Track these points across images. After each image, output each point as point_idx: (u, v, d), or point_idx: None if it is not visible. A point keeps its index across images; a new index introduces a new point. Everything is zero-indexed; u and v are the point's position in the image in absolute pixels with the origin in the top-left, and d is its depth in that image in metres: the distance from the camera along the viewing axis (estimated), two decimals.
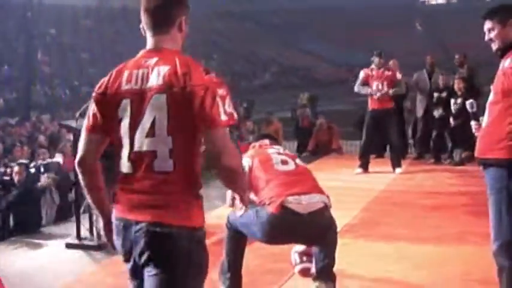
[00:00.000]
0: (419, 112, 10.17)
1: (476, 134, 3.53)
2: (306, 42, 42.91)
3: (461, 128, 8.72)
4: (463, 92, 9.06)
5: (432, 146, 9.80)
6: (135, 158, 2.34)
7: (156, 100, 2.29)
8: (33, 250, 5.86)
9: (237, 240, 4.04)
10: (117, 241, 2.43)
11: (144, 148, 2.31)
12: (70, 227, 6.12)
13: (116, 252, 2.49)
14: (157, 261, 2.31)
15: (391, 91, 8.88)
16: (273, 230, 3.79)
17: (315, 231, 3.89)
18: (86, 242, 5.74)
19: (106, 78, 2.45)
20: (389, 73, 8.97)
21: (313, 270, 4.10)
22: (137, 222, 2.31)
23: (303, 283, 4.24)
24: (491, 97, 3.38)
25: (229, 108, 2.28)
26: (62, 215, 7.73)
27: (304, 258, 4.29)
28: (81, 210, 5.90)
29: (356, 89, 9.18)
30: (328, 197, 3.99)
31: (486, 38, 3.47)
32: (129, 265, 2.41)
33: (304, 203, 3.80)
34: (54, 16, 34.69)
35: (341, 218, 6.04)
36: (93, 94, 2.47)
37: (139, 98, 2.33)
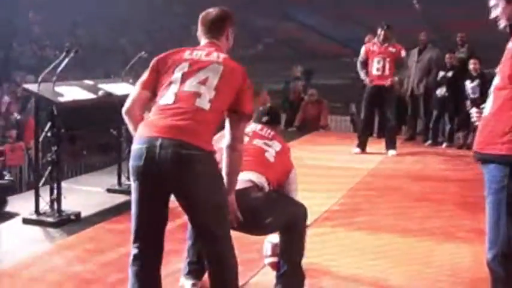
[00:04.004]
0: (408, 91, 9.75)
1: (476, 123, 3.05)
2: (302, 15, 42.28)
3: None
4: (478, 73, 8.55)
5: (432, 128, 9.38)
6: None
7: (215, 66, 3.05)
8: None
9: None
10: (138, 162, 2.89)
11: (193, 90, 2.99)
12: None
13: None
14: None
15: (396, 78, 8.48)
16: None
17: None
18: (44, 218, 5.28)
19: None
20: (394, 50, 8.40)
21: None
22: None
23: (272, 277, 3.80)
24: (496, 81, 2.89)
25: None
26: None
27: (276, 251, 3.86)
28: (41, 182, 5.42)
29: (358, 66, 8.71)
30: (268, 179, 3.56)
31: (492, 15, 2.98)
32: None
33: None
34: None
35: (321, 203, 5.71)
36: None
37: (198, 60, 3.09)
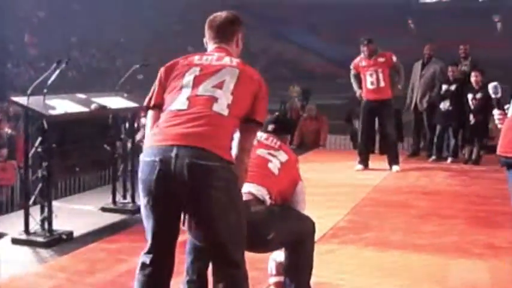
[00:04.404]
0: (412, 106, 9.45)
1: (499, 125, 2.79)
2: (298, 36, 42.37)
3: (482, 125, 8.44)
4: (480, 86, 8.37)
5: (436, 143, 9.08)
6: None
7: (230, 70, 2.79)
8: None
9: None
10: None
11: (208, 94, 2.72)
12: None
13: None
14: None
15: (399, 86, 8.29)
16: None
17: None
18: (34, 238, 5.00)
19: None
20: (383, 59, 8.15)
21: None
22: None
23: None
24: None
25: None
26: None
27: (281, 270, 3.60)
28: (31, 200, 5.14)
29: (351, 78, 8.52)
30: (269, 192, 3.30)
31: None
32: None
33: None
34: None
35: (327, 220, 5.42)
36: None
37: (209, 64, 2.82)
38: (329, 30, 41.31)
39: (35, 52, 27.82)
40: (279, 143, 3.56)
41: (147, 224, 2.73)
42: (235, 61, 2.87)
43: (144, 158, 2.66)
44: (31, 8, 30.70)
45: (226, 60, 2.86)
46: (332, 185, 7.19)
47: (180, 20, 34.12)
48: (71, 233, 5.15)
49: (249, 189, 3.23)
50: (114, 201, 6.14)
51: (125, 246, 4.81)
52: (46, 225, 5.09)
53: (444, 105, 8.83)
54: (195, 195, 2.58)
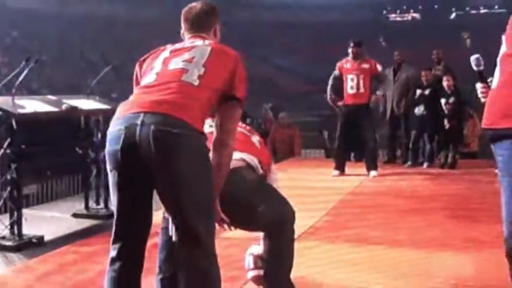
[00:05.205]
0: (387, 112, 9.40)
1: (482, 99, 2.71)
2: (271, 54, 42.56)
3: (456, 130, 8.58)
4: (453, 90, 8.44)
5: (411, 148, 9.02)
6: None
7: (201, 47, 2.69)
8: None
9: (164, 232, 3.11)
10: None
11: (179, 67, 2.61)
12: None
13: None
14: None
15: (380, 92, 8.30)
16: None
17: (226, 194, 2.77)
18: (2, 242, 4.83)
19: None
20: (367, 66, 8.12)
21: None
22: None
23: None
24: (505, 49, 2.56)
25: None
26: None
27: (259, 263, 3.46)
28: None
29: (330, 81, 8.47)
30: (260, 161, 3.22)
31: None
32: None
33: None
34: (16, 19, 33.50)
35: (304, 220, 5.26)
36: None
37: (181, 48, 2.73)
38: (303, 49, 41.64)
39: (6, 71, 27.52)
40: (248, 127, 3.53)
41: (114, 203, 2.54)
42: (208, 41, 2.77)
43: (110, 129, 2.51)
44: (5, 28, 30.45)
45: (199, 42, 2.76)
46: (308, 188, 7.11)
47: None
48: (41, 238, 4.99)
49: (241, 156, 3.12)
50: (86, 207, 5.98)
51: (97, 249, 4.64)
52: (16, 230, 4.93)
53: (418, 110, 8.79)
54: (162, 165, 2.40)
